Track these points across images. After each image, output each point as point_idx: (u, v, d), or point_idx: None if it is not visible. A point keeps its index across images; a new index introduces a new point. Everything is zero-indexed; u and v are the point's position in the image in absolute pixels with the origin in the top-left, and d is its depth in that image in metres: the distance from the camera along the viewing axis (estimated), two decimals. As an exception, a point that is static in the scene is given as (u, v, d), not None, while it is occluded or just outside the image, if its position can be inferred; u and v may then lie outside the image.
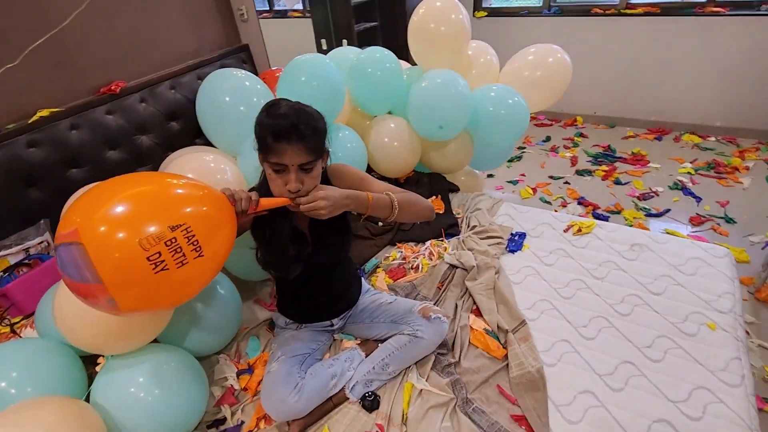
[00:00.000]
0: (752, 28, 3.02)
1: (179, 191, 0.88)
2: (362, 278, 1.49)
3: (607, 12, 3.39)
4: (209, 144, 1.76)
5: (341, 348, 1.37)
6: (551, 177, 3.14)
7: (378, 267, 1.71)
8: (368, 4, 3.01)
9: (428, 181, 2.08)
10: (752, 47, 3.06)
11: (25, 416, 0.89)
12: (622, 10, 3.35)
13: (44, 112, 1.58)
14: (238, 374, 1.33)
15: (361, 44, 2.98)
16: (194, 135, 1.98)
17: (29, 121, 1.54)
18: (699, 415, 1.10)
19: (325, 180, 1.20)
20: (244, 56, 2.27)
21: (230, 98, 1.57)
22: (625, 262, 1.61)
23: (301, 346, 1.28)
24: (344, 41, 2.71)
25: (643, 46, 3.36)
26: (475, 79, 2.09)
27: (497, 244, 1.72)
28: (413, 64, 2.16)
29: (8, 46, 1.45)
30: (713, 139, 3.41)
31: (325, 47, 2.78)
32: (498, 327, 1.38)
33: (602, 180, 3.05)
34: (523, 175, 3.20)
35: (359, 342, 1.38)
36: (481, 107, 1.95)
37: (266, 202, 1.00)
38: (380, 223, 1.87)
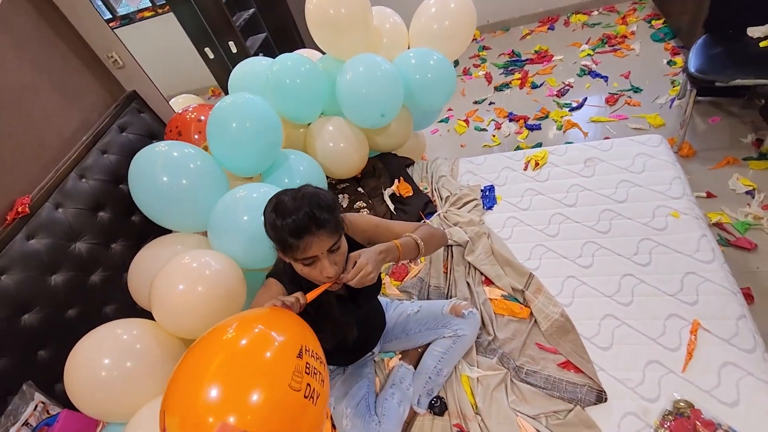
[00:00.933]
0: None
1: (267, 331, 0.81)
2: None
3: None
4: (150, 224, 1.58)
5: (386, 367, 1.44)
6: (475, 102, 3.22)
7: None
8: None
9: (383, 165, 2.07)
10: None
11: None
12: None
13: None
14: None
15: (246, 37, 2.70)
16: (128, 214, 1.79)
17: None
18: (695, 299, 1.32)
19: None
20: (137, 105, 2.00)
21: (168, 178, 1.41)
22: (586, 181, 1.77)
23: (356, 390, 1.32)
24: (231, 43, 2.44)
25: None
26: (388, 49, 2.02)
27: (475, 207, 1.81)
28: (318, 49, 2.03)
29: None
30: (596, 12, 3.62)
31: (212, 56, 2.49)
32: (513, 289, 1.50)
33: (520, 89, 3.19)
34: (450, 110, 3.25)
35: (400, 356, 1.45)
36: (409, 77, 1.91)
37: (311, 295, 0.97)
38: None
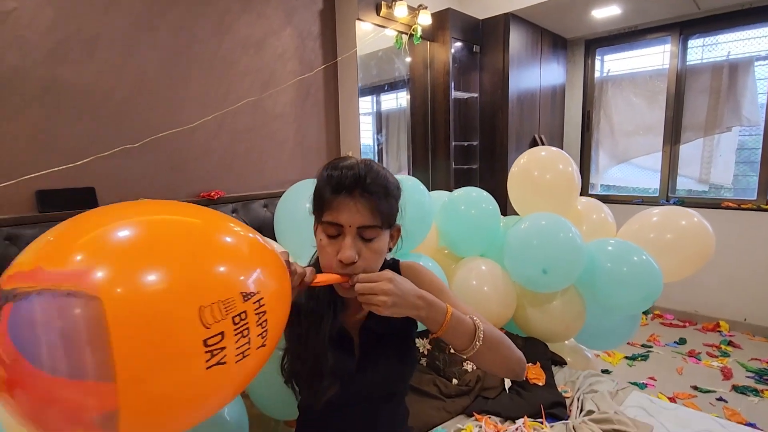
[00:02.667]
0: None
1: (245, 240, 0.62)
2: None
3: (742, 206, 3.02)
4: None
5: None
6: (695, 388, 2.35)
7: (444, 441, 1.21)
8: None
9: (523, 344, 1.62)
10: None
11: None
12: (762, 205, 2.95)
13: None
14: None
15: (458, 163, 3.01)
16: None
17: (127, 205, 1.62)
18: None
19: None
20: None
21: (310, 205, 1.49)
22: None
23: None
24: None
25: (801, 246, 2.81)
26: (586, 235, 1.80)
27: (630, 445, 1.13)
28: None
29: (132, 131, 1.64)
30: None
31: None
32: None
33: (777, 406, 2.18)
34: (652, 378, 2.46)
35: None
36: (597, 262, 1.60)
37: (321, 279, 0.75)
38: (455, 381, 1.41)
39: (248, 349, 0.54)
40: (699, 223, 1.68)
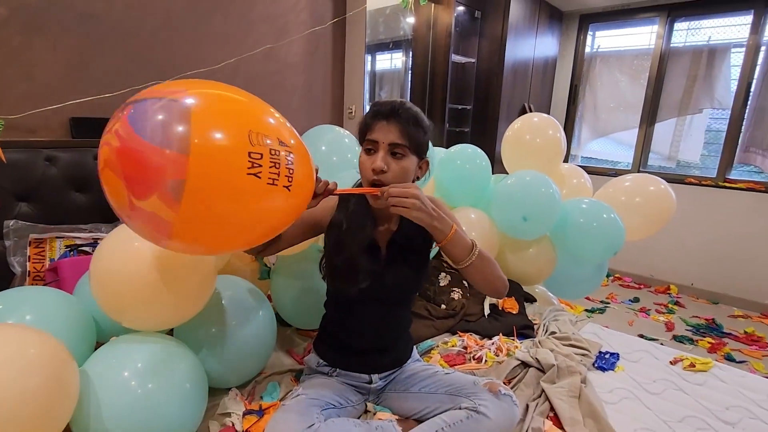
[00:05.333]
0: None
1: (284, 121, 0.81)
2: (414, 348, 1.26)
3: (703, 183, 3.33)
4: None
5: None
6: (642, 336, 2.70)
7: (433, 349, 1.46)
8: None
9: (502, 283, 1.88)
10: None
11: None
12: (719, 182, 3.27)
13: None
14: (245, 414, 1.08)
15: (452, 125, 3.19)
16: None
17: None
18: None
19: None
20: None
21: (326, 148, 1.66)
22: (764, 413, 1.19)
23: (328, 395, 1.03)
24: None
25: (747, 221, 3.15)
26: (566, 197, 2.03)
27: (583, 355, 1.40)
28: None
29: (157, 66, 1.74)
30: None
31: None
32: (585, 442, 1.02)
33: (708, 352, 2.56)
34: (605, 327, 2.80)
35: (398, 418, 1.08)
36: (571, 217, 1.84)
37: (345, 190, 0.94)
38: (443, 306, 1.66)
39: (277, 179, 0.71)
40: (664, 190, 1.93)
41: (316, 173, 0.88)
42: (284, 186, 0.73)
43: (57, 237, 1.42)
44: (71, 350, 0.90)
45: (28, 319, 0.95)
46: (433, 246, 1.11)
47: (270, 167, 0.70)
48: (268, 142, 0.70)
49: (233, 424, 1.05)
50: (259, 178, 0.69)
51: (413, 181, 1.02)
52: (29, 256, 1.36)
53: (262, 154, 0.69)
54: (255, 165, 0.68)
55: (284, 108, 2.25)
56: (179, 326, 1.12)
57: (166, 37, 1.77)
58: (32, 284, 1.34)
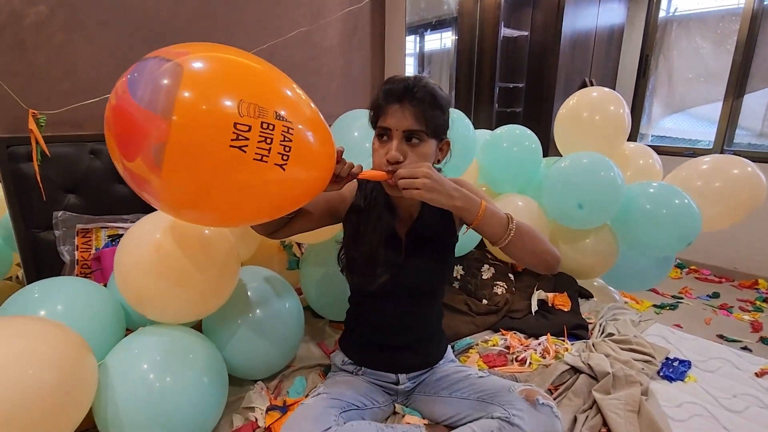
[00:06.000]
0: None
1: (301, 94, 0.77)
2: (449, 347, 1.16)
3: (803, 162, 2.85)
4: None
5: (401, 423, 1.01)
6: (721, 336, 2.39)
7: (471, 348, 1.35)
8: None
9: (552, 277, 1.71)
10: None
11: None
12: (826, 162, 2.78)
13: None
14: (268, 410, 1.05)
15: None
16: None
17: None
18: None
19: None
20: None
21: (358, 134, 1.58)
22: None
23: (350, 395, 0.97)
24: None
25: None
26: (630, 179, 1.80)
27: (646, 362, 1.23)
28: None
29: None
30: None
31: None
32: (643, 466, 0.87)
33: (806, 359, 2.20)
34: (677, 325, 2.51)
35: (427, 422, 1.00)
36: (635, 204, 1.62)
37: (367, 174, 0.86)
38: (485, 301, 1.54)
39: (266, 155, 0.66)
40: (752, 173, 1.65)
41: (340, 155, 0.81)
42: (276, 164, 0.67)
43: (102, 227, 1.47)
44: (97, 341, 0.91)
45: (59, 309, 0.97)
46: (463, 232, 1.00)
47: (259, 141, 0.65)
48: (259, 113, 0.65)
49: (256, 420, 1.02)
50: (244, 152, 0.64)
51: (437, 162, 0.93)
52: (77, 246, 1.43)
53: (250, 126, 0.64)
54: (240, 137, 0.64)
55: (322, 94, 2.20)
56: (206, 318, 1.12)
57: (201, 26, 1.76)
58: (80, 272, 1.40)
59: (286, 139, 0.68)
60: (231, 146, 0.63)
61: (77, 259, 1.42)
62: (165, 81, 0.63)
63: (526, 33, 2.96)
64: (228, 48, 0.73)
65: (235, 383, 1.12)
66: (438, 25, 2.89)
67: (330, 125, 1.97)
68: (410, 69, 2.87)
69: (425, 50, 3.04)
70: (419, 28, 2.87)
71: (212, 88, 0.64)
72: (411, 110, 0.84)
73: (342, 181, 0.84)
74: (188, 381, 0.90)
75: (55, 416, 0.73)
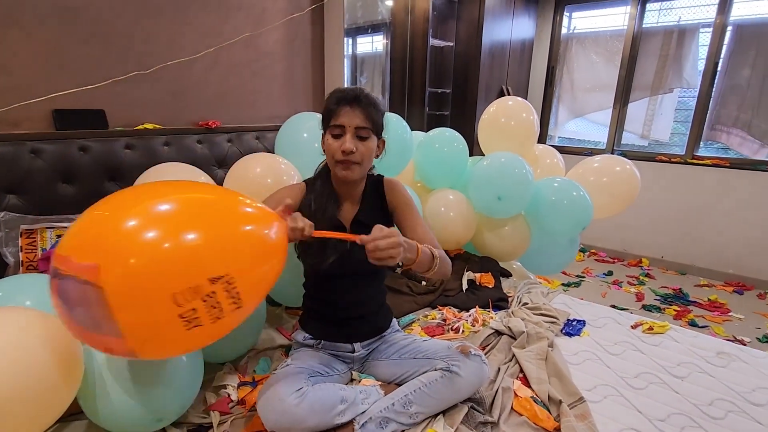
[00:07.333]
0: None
1: (226, 216, 0.76)
2: (395, 320, 1.35)
3: (672, 160, 3.47)
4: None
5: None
6: (614, 306, 2.86)
7: (414, 322, 1.56)
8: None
9: (479, 260, 1.98)
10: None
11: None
12: (688, 159, 3.42)
13: (149, 125, 1.82)
14: (239, 385, 1.16)
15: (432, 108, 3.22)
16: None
17: (134, 128, 1.77)
18: None
19: (380, 188, 1.21)
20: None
21: (307, 135, 1.71)
22: (711, 368, 1.33)
23: (314, 364, 1.12)
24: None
25: (714, 196, 3.31)
26: (539, 176, 2.13)
27: (552, 323, 1.52)
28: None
29: (137, 57, 1.76)
30: (808, 302, 3.03)
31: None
32: (549, 397, 1.13)
33: (674, 319, 2.73)
34: (581, 298, 2.95)
35: (381, 383, 1.18)
36: (543, 196, 1.94)
37: (321, 234, 0.92)
38: (424, 283, 1.76)
39: (221, 313, 0.69)
40: (629, 170, 2.05)
41: (290, 217, 0.87)
42: (233, 311, 0.71)
43: (47, 227, 1.46)
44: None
45: (27, 304, 1.00)
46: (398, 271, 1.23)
47: (208, 311, 0.68)
48: (199, 290, 0.66)
49: (229, 395, 1.13)
50: (202, 325, 0.68)
51: (375, 157, 1.14)
52: (21, 247, 1.40)
53: (195, 308, 0.66)
54: (191, 320, 0.67)
55: (265, 96, 2.29)
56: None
57: (145, 27, 1.78)
58: (26, 273, 1.38)
59: (231, 289, 0.69)
60: (188, 330, 0.67)
61: (22, 260, 1.40)
62: (96, 309, 0.63)
63: (451, 44, 3.26)
64: (136, 197, 0.75)
65: (206, 366, 1.21)
66: (371, 29, 3.08)
67: (277, 125, 2.10)
68: (345, 71, 3.02)
69: (357, 53, 3.21)
70: (353, 33, 3.03)
71: (143, 297, 0.64)
72: (360, 111, 1.05)
73: (295, 240, 0.90)
74: (170, 362, 0.99)
75: (45, 399, 0.79)
